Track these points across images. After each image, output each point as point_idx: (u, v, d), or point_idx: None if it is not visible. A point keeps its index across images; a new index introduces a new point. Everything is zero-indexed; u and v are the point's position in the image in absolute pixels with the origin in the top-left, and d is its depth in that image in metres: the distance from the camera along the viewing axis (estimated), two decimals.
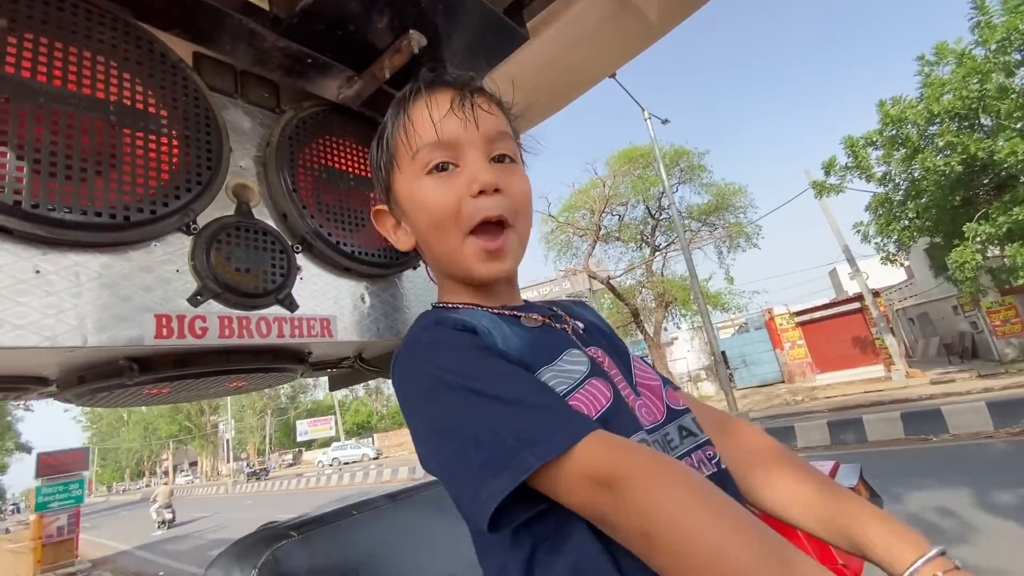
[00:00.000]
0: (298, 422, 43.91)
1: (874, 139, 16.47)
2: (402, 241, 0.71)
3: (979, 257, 14.28)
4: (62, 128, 0.78)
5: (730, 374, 27.49)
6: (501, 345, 0.57)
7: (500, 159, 0.64)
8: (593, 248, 25.27)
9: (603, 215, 24.74)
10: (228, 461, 45.94)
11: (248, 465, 39.06)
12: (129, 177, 0.84)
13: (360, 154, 1.28)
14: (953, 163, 14.46)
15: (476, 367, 0.52)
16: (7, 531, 15.86)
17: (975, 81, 14.27)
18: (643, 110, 15.25)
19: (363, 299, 1.20)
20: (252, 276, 0.98)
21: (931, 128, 15.55)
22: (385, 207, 0.72)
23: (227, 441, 47.52)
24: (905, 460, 7.14)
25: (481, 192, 0.60)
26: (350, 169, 1.25)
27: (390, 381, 0.67)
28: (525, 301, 0.74)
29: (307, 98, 1.19)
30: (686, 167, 23.89)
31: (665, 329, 25.46)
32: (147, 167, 0.87)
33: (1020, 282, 13.84)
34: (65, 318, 0.76)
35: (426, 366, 0.54)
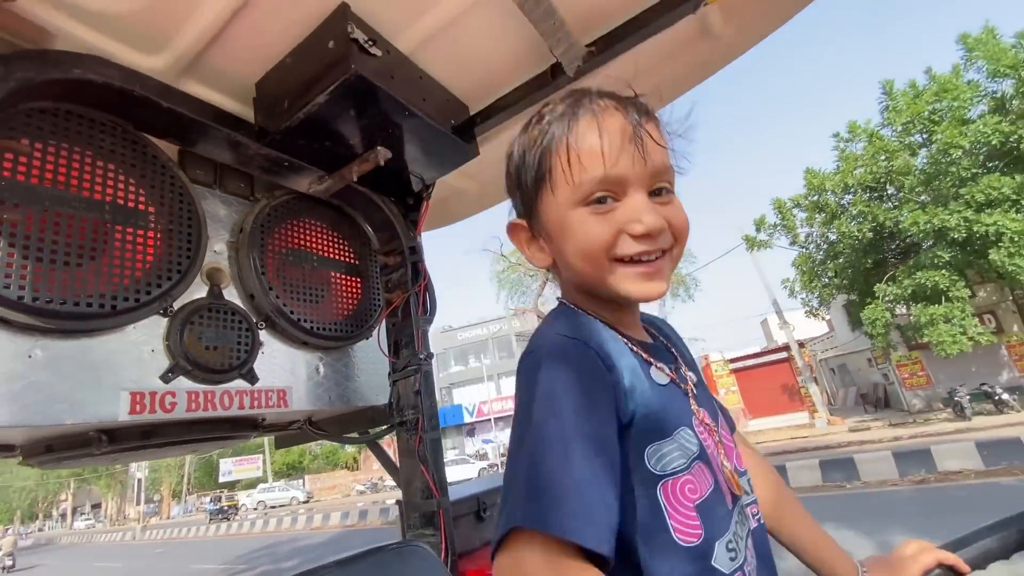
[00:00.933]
0: (222, 461, 40.81)
1: (799, 202, 18.13)
2: (537, 258, 0.66)
3: (888, 315, 15.76)
4: (63, 229, 0.89)
5: None
6: (628, 400, 0.54)
7: (659, 191, 0.59)
8: (543, 288, 25.84)
9: None
10: (138, 503, 41.82)
11: (212, 501, 32.24)
12: (118, 269, 0.95)
13: (325, 236, 1.43)
14: (864, 229, 16.11)
15: (583, 415, 0.49)
16: None
17: (883, 158, 16.16)
18: None
19: (318, 370, 1.32)
20: (219, 353, 1.09)
21: (846, 197, 17.31)
22: (523, 222, 0.66)
23: (139, 481, 43.38)
24: (824, 505, 7.62)
25: (639, 235, 0.56)
26: (314, 250, 1.39)
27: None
28: (642, 322, 0.72)
29: (279, 187, 1.33)
30: None
31: None
32: (134, 259, 0.98)
33: (924, 339, 15.24)
34: (52, 398, 0.85)
35: (544, 377, 0.52)
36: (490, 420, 32.25)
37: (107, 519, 49.28)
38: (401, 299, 1.43)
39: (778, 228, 18.79)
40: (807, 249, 18.83)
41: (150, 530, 31.70)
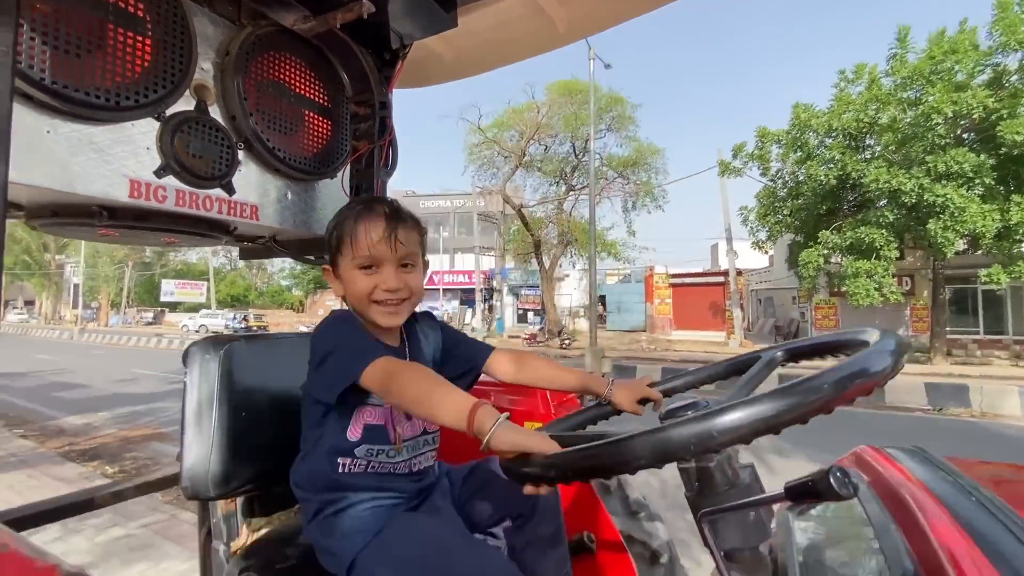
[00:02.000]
0: (164, 281, 40.65)
1: (780, 137, 18.13)
2: (336, 289, 1.06)
3: (821, 260, 16.90)
4: (75, 23, 1.00)
5: (604, 317, 30.31)
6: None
7: (405, 265, 1.02)
8: (514, 172, 25.44)
9: (531, 142, 24.78)
10: (75, 307, 41.82)
11: (237, 319, 32.38)
12: (120, 69, 1.08)
13: (303, 74, 1.54)
14: (831, 176, 16.53)
15: (358, 334, 0.98)
16: None
17: (873, 108, 16.13)
18: (590, 48, 15.19)
19: (286, 195, 1.52)
20: (203, 162, 1.27)
21: (827, 140, 17.44)
22: (330, 269, 1.07)
23: (75, 286, 42.87)
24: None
25: (387, 291, 0.99)
26: (292, 86, 1.51)
27: (277, 260, 1.07)
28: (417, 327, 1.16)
29: (264, 18, 1.41)
30: (617, 116, 24.41)
31: (560, 266, 27.02)
32: (133, 62, 1.11)
33: (844, 288, 16.61)
34: (65, 170, 1.03)
35: (340, 321, 1.00)
36: (439, 290, 33.33)
37: (41, 317, 49.26)
38: (366, 149, 1.61)
39: (754, 158, 18.93)
40: (773, 184, 19.25)
41: (88, 333, 32.21)
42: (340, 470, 0.97)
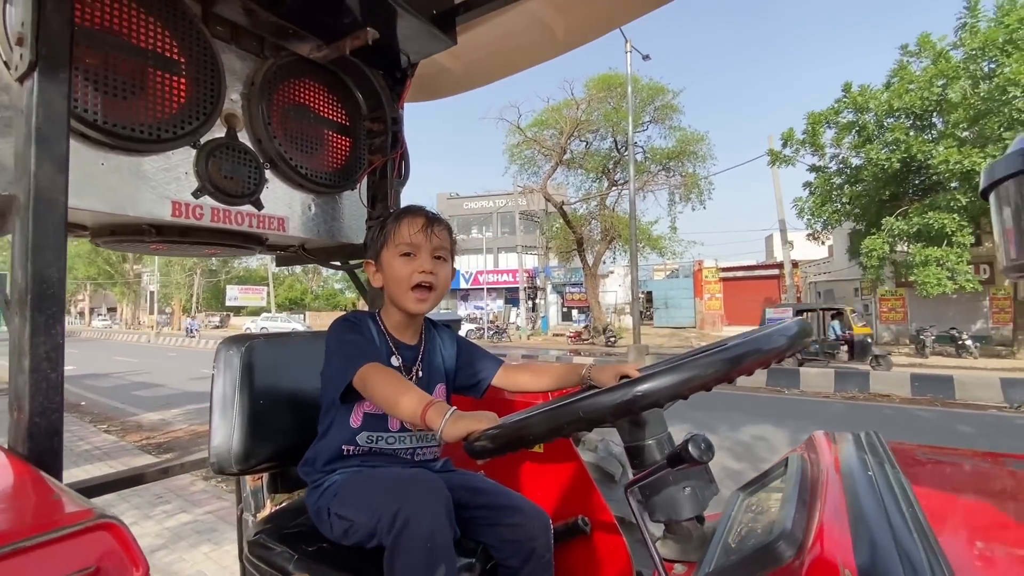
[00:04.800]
0: (228, 287, 43.38)
1: (830, 118, 17.17)
2: (376, 279, 1.19)
3: (886, 248, 15.86)
4: (120, 69, 1.18)
5: (651, 313, 29.74)
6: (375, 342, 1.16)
7: (438, 257, 1.16)
8: (554, 170, 25.40)
9: (571, 139, 24.67)
10: (151, 313, 45.35)
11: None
12: (161, 106, 1.26)
13: (321, 97, 1.69)
14: (894, 159, 15.51)
15: (362, 337, 1.12)
16: None
17: (940, 84, 15.01)
18: (626, 41, 14.99)
19: (310, 208, 1.68)
20: (234, 182, 1.44)
21: (887, 121, 16.38)
22: (373, 263, 1.20)
23: (151, 293, 46.44)
24: (764, 404, 8.63)
25: (422, 273, 1.13)
26: (312, 108, 1.67)
27: (325, 269, 1.20)
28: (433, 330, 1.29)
29: (284, 49, 1.57)
30: (660, 106, 23.90)
31: (604, 262, 26.74)
32: (171, 99, 1.28)
33: (912, 278, 15.54)
34: (118, 195, 1.21)
35: (346, 324, 1.15)
36: (483, 289, 33.76)
37: (122, 322, 53.63)
38: (381, 162, 1.74)
39: (805, 144, 18.03)
40: (828, 170, 18.27)
41: (163, 337, 34.79)
42: (344, 453, 1.12)
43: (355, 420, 1.12)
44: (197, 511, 4.03)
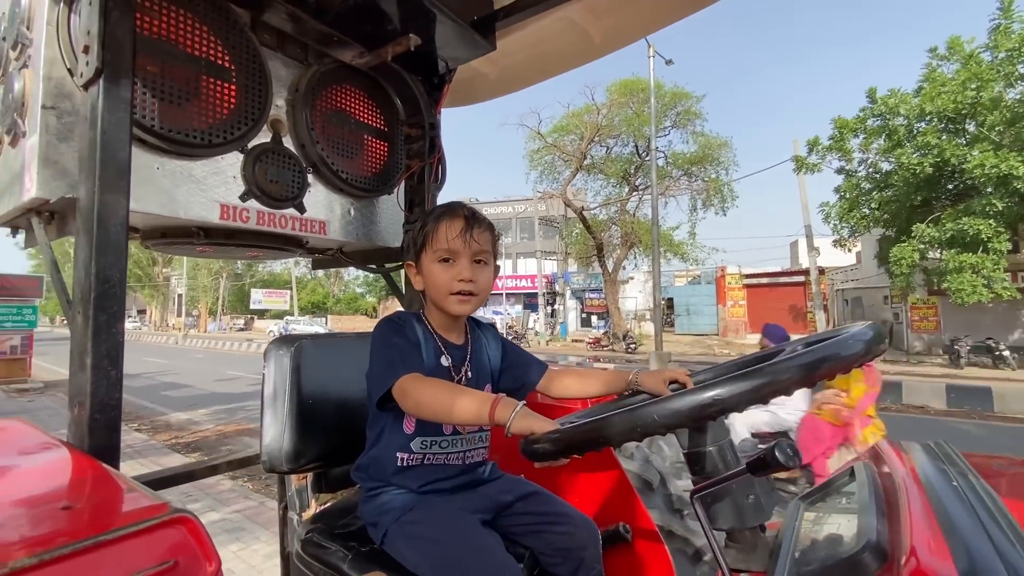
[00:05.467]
0: (253, 290, 44.34)
1: (857, 126, 16.81)
2: (417, 282, 1.16)
3: (916, 255, 15.41)
4: (176, 77, 1.21)
5: (672, 320, 29.39)
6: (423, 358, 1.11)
7: (478, 261, 1.12)
8: (574, 175, 25.37)
9: (592, 144, 24.64)
10: (179, 315, 46.61)
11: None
12: (212, 112, 1.29)
13: (362, 103, 1.72)
14: (926, 164, 15.08)
15: (405, 338, 1.09)
16: None
17: (973, 87, 14.58)
18: (649, 46, 14.92)
19: (349, 212, 1.70)
20: (279, 186, 1.47)
21: (918, 125, 15.95)
22: (413, 265, 1.17)
23: (179, 296, 47.74)
24: None
25: (462, 281, 1.09)
26: (353, 113, 1.69)
27: (352, 269, 1.19)
28: (477, 330, 1.25)
29: (327, 56, 1.60)
30: (682, 112, 23.73)
31: (624, 268, 26.56)
32: (222, 105, 1.32)
33: (945, 286, 15.05)
34: (171, 198, 1.25)
35: (389, 326, 1.11)
36: (502, 294, 33.80)
37: (151, 324, 55.17)
38: (418, 166, 1.76)
39: (832, 150, 17.66)
40: (855, 176, 17.85)
41: (190, 339, 35.65)
42: (399, 463, 1.09)
43: (408, 425, 1.09)
44: (225, 510, 4.09)
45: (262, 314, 48.31)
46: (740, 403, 0.55)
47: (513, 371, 1.24)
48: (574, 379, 1.23)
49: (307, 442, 1.17)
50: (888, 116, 16.17)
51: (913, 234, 15.38)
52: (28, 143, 1.08)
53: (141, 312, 60.55)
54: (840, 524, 0.66)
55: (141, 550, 0.50)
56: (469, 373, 1.16)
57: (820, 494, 0.77)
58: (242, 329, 47.89)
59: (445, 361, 1.13)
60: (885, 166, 16.86)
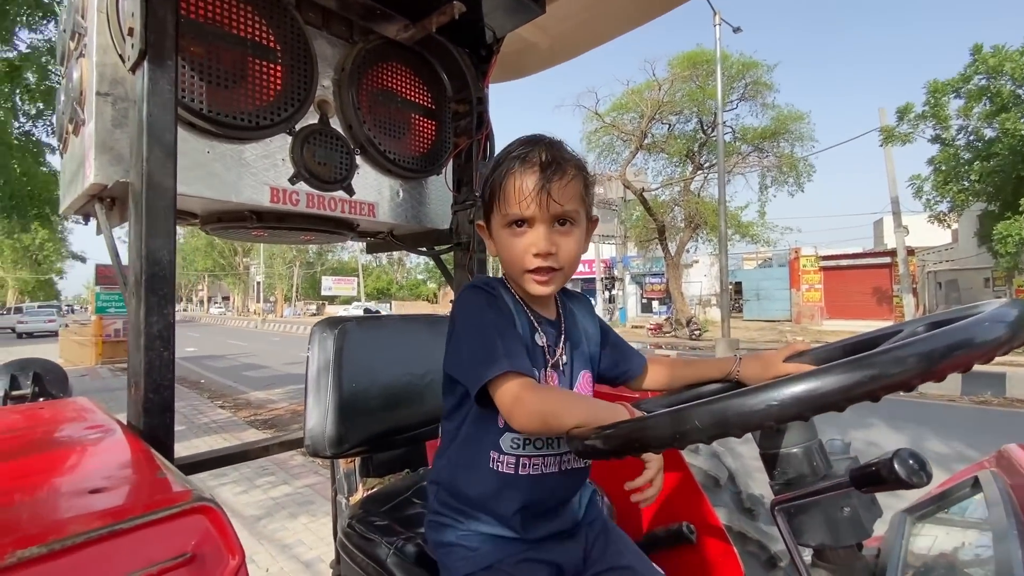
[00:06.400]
0: (324, 277, 46.81)
1: (958, 87, 15.04)
2: (490, 247, 0.94)
3: None
4: (222, 59, 1.21)
5: (740, 305, 28.01)
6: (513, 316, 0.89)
7: (562, 223, 0.86)
8: (634, 156, 24.52)
9: (652, 122, 23.67)
10: (258, 301, 50.08)
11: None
12: (260, 94, 1.28)
13: (408, 80, 1.67)
14: None
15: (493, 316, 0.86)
16: (67, 326, 18.19)
17: None
18: (715, 13, 14.02)
19: (398, 194, 1.67)
20: (327, 168, 1.45)
21: None
22: (484, 226, 0.94)
23: (258, 283, 51.22)
24: (869, 405, 7.78)
25: (537, 256, 0.84)
26: (400, 92, 1.65)
27: (414, 256, 1.06)
28: (568, 302, 1.02)
29: (372, 32, 1.56)
30: (751, 83, 22.24)
31: (688, 251, 25.52)
32: (268, 88, 1.31)
33: None
34: (223, 182, 1.25)
35: (473, 298, 0.89)
36: None
37: (234, 310, 59.65)
38: (466, 144, 1.70)
39: (926, 117, 15.93)
40: (953, 145, 16.04)
41: (268, 323, 38.17)
42: (491, 465, 0.89)
43: (501, 418, 0.86)
44: (296, 483, 4.32)
45: (332, 300, 50.91)
46: (840, 402, 0.44)
47: (613, 357, 1.04)
48: (671, 371, 1.05)
49: (350, 427, 1.15)
50: (993, 76, 14.36)
51: (1021, 209, 13.69)
52: (87, 130, 1.12)
53: (225, 298, 65.62)
54: (963, 544, 0.54)
55: (156, 541, 0.48)
56: (564, 357, 0.94)
57: (933, 507, 0.64)
58: (315, 314, 50.72)
59: (540, 340, 0.91)
60: (988, 133, 15.02)
